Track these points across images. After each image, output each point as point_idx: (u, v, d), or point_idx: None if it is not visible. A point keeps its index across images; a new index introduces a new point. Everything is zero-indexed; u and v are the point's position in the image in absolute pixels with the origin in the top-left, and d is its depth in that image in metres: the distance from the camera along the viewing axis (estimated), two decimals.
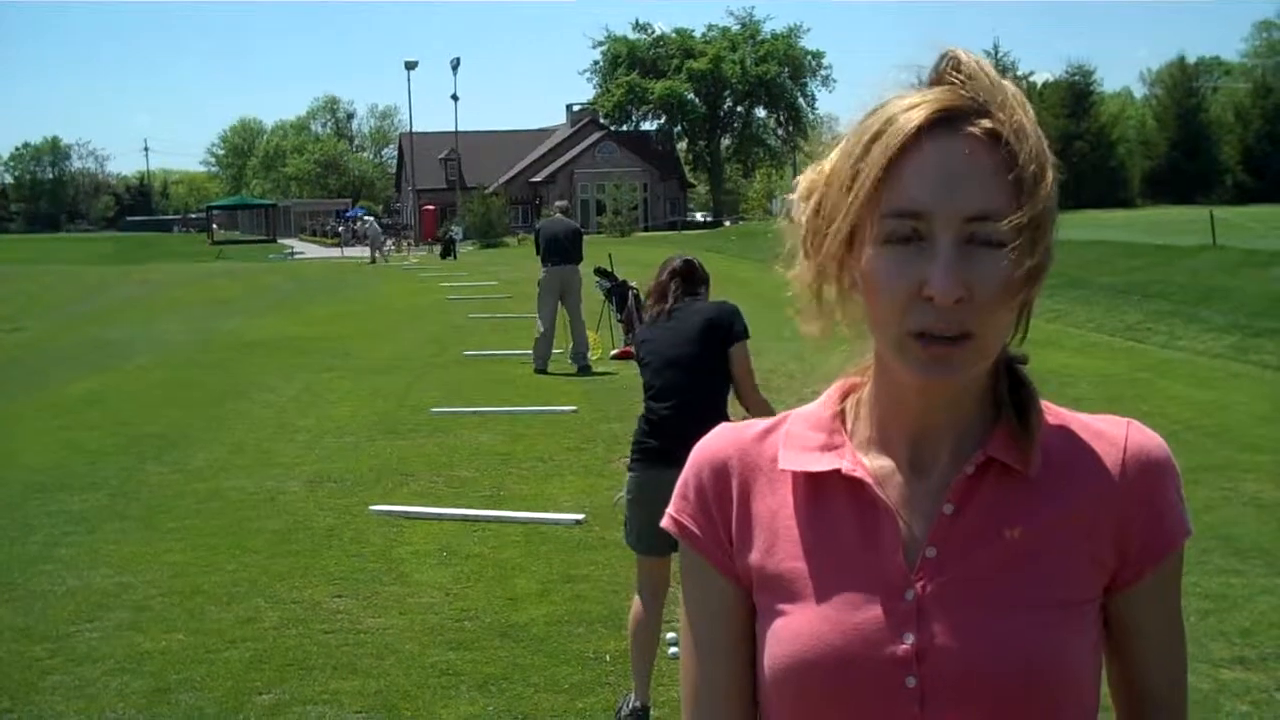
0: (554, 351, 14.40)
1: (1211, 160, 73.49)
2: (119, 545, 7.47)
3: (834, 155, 1.22)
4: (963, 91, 1.16)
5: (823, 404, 1.32)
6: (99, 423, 11.77)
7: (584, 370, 14.13)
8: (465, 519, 7.80)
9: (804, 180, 1.26)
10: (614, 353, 14.98)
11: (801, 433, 1.29)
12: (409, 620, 6.02)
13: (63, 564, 7.11)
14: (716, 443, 1.33)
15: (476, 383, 13.71)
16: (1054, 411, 1.26)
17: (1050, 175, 1.16)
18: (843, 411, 1.30)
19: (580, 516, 7.67)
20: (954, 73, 1.18)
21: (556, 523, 7.66)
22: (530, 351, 14.49)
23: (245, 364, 15.93)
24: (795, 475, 1.27)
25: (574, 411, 11.51)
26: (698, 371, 4.82)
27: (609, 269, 15.37)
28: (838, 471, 1.24)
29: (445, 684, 5.24)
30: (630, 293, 14.53)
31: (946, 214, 1.13)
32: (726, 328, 4.86)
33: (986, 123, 1.15)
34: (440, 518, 7.85)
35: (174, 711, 5.04)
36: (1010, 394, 1.25)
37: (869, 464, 1.25)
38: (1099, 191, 63.36)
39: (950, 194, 1.13)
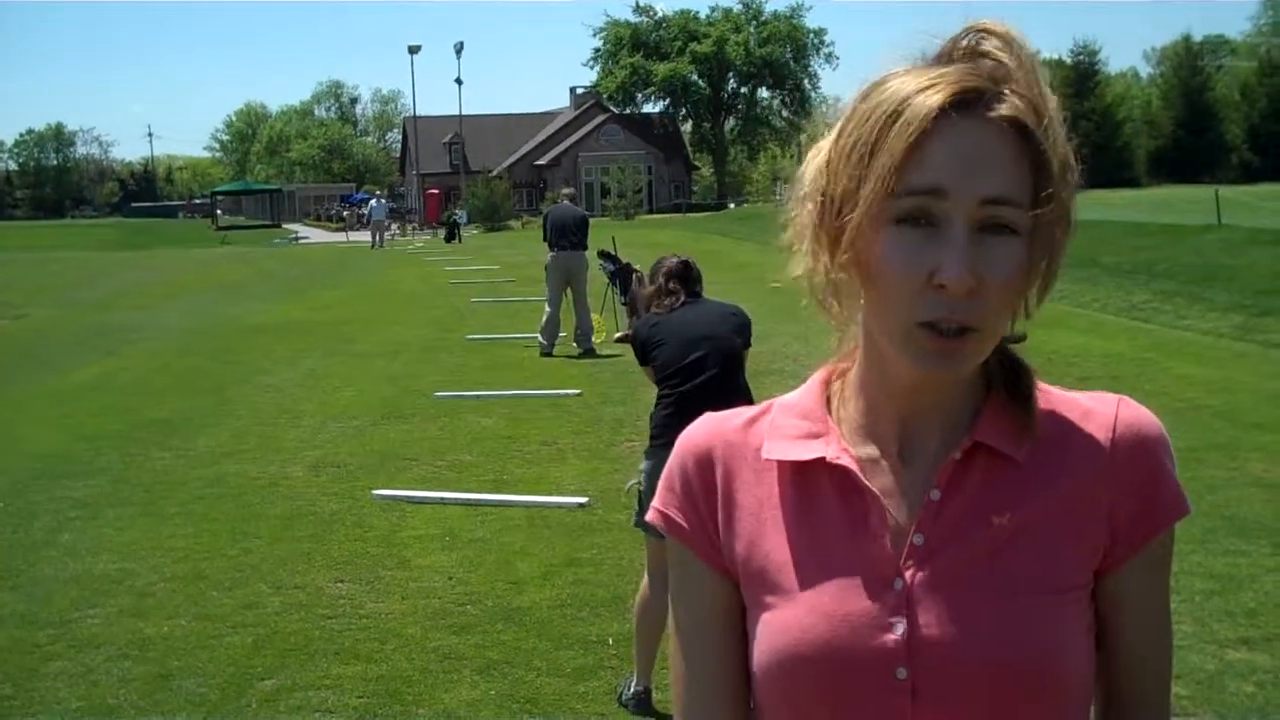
0: (559, 335, 14.46)
1: (1217, 139, 73.35)
2: (121, 531, 7.47)
3: (834, 137, 1.17)
4: (980, 72, 1.11)
5: (807, 391, 1.29)
6: (102, 409, 11.77)
7: (588, 353, 14.25)
8: (468, 503, 7.78)
9: (808, 169, 1.21)
10: (618, 336, 14.93)
11: (786, 422, 1.26)
12: (411, 605, 6.01)
13: (65, 550, 7.11)
14: (700, 433, 1.30)
15: (479, 367, 13.71)
16: (1044, 391, 1.22)
17: (1074, 168, 1.13)
18: (828, 398, 1.27)
19: (584, 500, 7.65)
20: (979, 45, 1.13)
21: (560, 506, 7.64)
22: (535, 334, 14.57)
23: (248, 349, 15.93)
24: (780, 465, 1.24)
25: (578, 395, 11.50)
26: (725, 352, 4.79)
27: (613, 251, 15.38)
28: (823, 460, 1.21)
29: (447, 668, 5.23)
30: (634, 276, 14.50)
31: (963, 195, 1.08)
32: (747, 329, 4.91)
33: (1006, 108, 1.10)
34: (443, 502, 7.83)
35: (176, 697, 5.03)
36: (1004, 374, 1.21)
37: (855, 451, 1.22)
38: (1105, 171, 63.19)
39: (968, 175, 1.09)
